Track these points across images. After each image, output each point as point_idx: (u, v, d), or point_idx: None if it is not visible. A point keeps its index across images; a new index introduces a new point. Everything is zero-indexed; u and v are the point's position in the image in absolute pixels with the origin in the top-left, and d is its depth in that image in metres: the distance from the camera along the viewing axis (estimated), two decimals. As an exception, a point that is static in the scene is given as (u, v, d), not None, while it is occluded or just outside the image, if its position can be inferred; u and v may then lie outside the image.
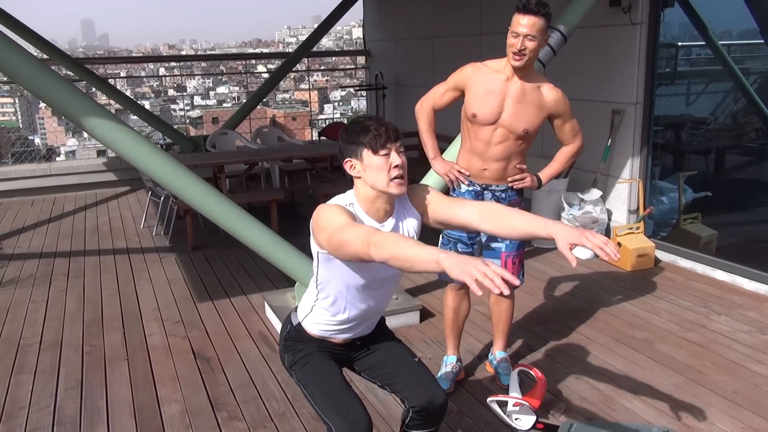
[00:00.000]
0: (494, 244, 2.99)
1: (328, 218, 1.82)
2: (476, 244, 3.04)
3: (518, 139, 2.82)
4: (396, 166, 1.87)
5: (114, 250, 5.57)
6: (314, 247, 1.95)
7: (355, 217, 1.88)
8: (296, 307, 2.19)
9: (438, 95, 2.96)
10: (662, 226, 5.22)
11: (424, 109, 3.00)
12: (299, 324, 2.12)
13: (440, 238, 3.09)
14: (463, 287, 3.11)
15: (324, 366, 2.07)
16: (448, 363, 3.18)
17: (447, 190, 2.97)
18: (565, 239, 1.68)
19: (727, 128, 5.30)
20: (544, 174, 3.00)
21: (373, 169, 1.87)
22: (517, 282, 1.47)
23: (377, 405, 2.99)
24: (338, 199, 1.95)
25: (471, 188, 2.95)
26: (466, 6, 6.90)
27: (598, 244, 1.66)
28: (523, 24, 2.62)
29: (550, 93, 2.80)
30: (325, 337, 2.10)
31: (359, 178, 1.92)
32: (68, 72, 8.38)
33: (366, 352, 2.18)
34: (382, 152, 1.86)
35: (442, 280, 3.22)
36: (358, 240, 1.67)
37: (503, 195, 2.94)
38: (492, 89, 2.78)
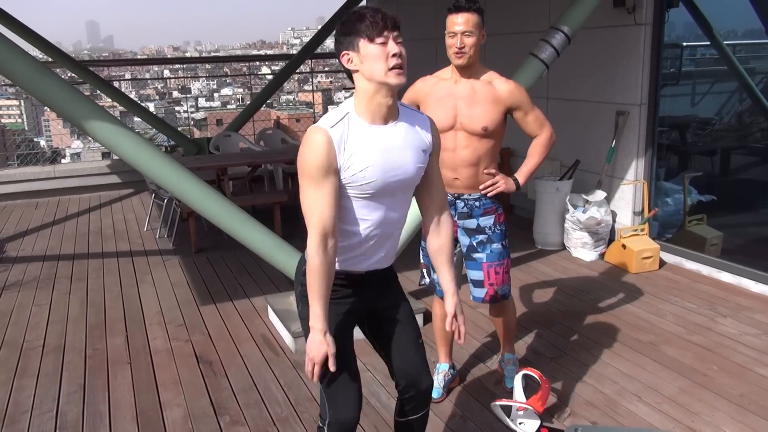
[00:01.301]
0: (475, 255, 2.91)
1: (302, 161, 1.83)
2: (455, 255, 2.98)
3: (482, 139, 2.76)
4: (394, 55, 1.79)
5: (117, 252, 5.57)
6: None
7: (336, 149, 1.79)
8: None
9: None
10: (667, 227, 5.19)
11: None
12: None
13: (421, 251, 3.06)
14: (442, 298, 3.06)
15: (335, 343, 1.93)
16: (440, 371, 3.15)
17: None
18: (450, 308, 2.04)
19: (733, 129, 5.27)
20: (521, 173, 2.92)
21: (370, 59, 1.79)
22: (332, 368, 1.85)
23: (380, 410, 2.97)
24: (330, 115, 1.86)
25: None
26: (469, 7, 6.88)
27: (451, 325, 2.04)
28: (458, 22, 2.69)
29: (503, 86, 2.77)
30: (344, 269, 1.98)
31: (357, 71, 1.84)
32: (72, 74, 8.40)
33: (384, 312, 2.09)
34: (379, 40, 1.78)
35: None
36: (307, 218, 1.86)
37: (477, 203, 2.86)
38: (442, 95, 2.79)
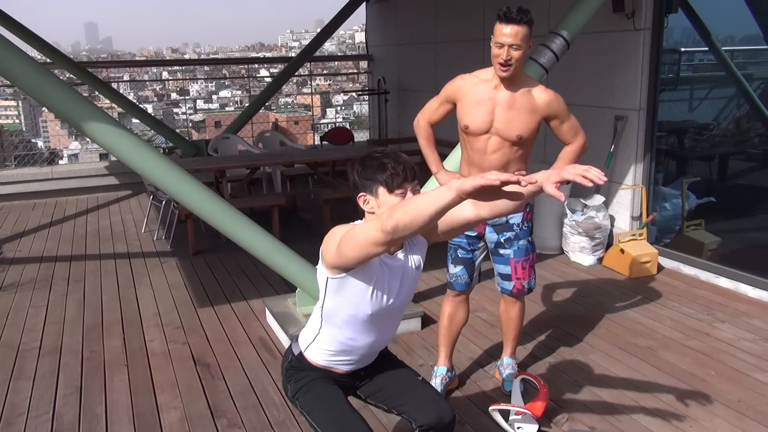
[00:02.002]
0: (503, 251, 2.97)
1: (340, 230, 1.81)
2: (478, 250, 3.02)
3: (514, 146, 2.80)
4: None
5: (115, 254, 5.56)
6: (322, 275, 1.91)
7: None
8: (297, 336, 2.16)
9: (432, 110, 2.99)
10: (665, 232, 5.20)
11: (420, 125, 3.04)
12: (300, 353, 2.09)
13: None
14: (461, 294, 3.08)
15: (327, 391, 2.05)
16: (438, 374, 3.14)
17: None
18: (549, 180, 1.66)
19: (731, 134, 5.28)
20: None
21: None
22: (514, 178, 1.47)
23: (386, 423, 2.95)
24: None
25: None
26: (468, 11, 6.90)
27: (579, 173, 1.64)
28: (507, 33, 2.59)
29: (541, 95, 2.77)
30: (328, 367, 2.07)
31: (372, 213, 1.89)
32: (71, 76, 8.39)
33: (369, 380, 2.16)
34: (398, 191, 1.84)
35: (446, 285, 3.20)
36: (370, 226, 1.67)
37: None
38: (481, 99, 2.78)
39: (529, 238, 2.99)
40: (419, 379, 2.15)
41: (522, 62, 2.70)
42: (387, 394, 2.13)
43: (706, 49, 5.21)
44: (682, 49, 5.26)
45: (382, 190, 1.85)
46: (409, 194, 1.85)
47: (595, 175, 1.62)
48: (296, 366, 2.10)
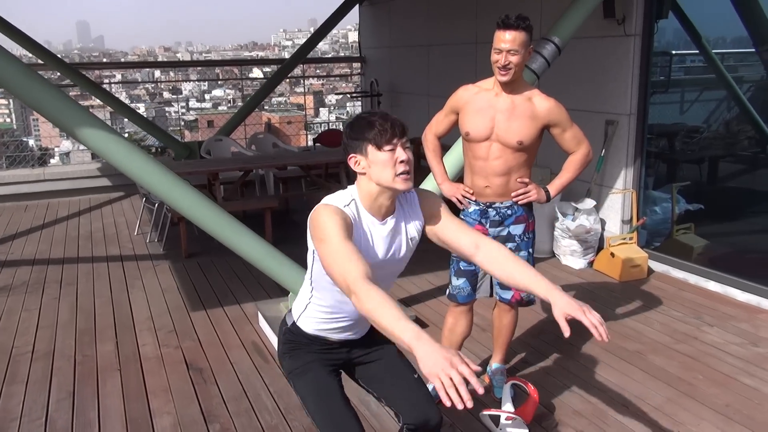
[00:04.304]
0: None
1: (323, 228, 1.79)
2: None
3: (515, 152, 2.83)
4: (402, 162, 1.84)
5: (107, 257, 5.56)
6: (310, 244, 1.92)
7: (352, 223, 1.85)
8: (291, 308, 2.17)
9: (438, 122, 3.05)
10: (655, 236, 5.24)
11: (428, 138, 3.10)
12: (294, 323, 2.09)
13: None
14: (461, 305, 3.08)
15: (323, 380, 2.05)
16: None
17: (457, 211, 2.98)
18: (563, 309, 1.75)
19: (721, 137, 5.33)
20: (553, 185, 2.99)
21: (378, 165, 1.84)
22: (480, 391, 1.39)
23: (370, 418, 2.99)
24: (338, 197, 1.92)
25: (477, 207, 2.96)
26: (461, 15, 6.93)
27: (594, 323, 1.72)
28: (506, 39, 2.65)
29: (542, 103, 2.81)
30: (322, 336, 2.07)
31: (364, 174, 1.89)
32: (61, 74, 8.36)
33: (367, 357, 2.15)
34: (387, 148, 1.83)
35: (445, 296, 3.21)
36: (341, 278, 1.68)
37: (509, 212, 2.93)
38: (482, 106, 2.83)
39: (530, 250, 3.00)
40: (415, 377, 2.16)
41: (522, 68, 2.74)
42: (380, 384, 2.14)
43: (697, 51, 5.26)
44: (673, 52, 5.31)
45: (371, 148, 1.84)
46: (399, 150, 1.84)
47: (603, 331, 1.72)
48: (291, 339, 2.10)
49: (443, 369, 1.37)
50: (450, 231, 2.00)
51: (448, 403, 1.34)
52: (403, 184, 1.86)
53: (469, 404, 1.34)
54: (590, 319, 1.73)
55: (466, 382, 1.37)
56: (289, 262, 3.73)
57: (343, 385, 2.12)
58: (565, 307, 1.74)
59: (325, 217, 1.82)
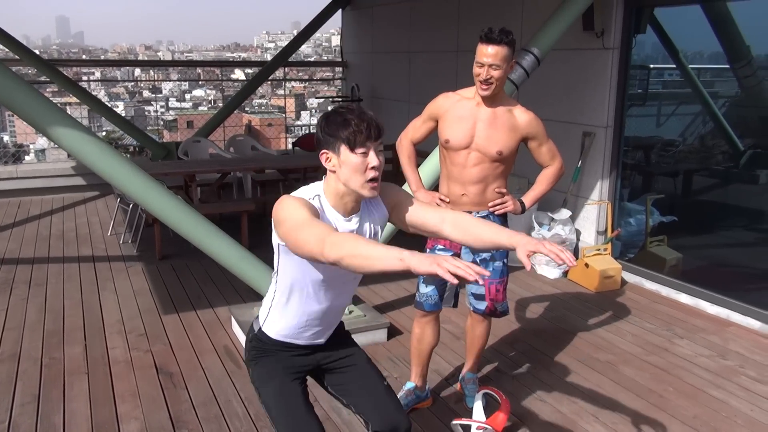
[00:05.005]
0: None
1: (288, 212, 1.77)
2: None
3: (493, 162, 2.84)
4: (373, 168, 1.81)
5: (79, 257, 5.47)
6: (275, 239, 1.89)
7: (318, 212, 1.83)
8: (257, 314, 2.15)
9: (415, 128, 3.05)
10: (629, 247, 5.30)
11: (403, 144, 3.09)
12: (260, 329, 2.08)
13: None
14: (427, 315, 3.08)
15: (287, 388, 2.03)
16: (405, 388, 3.15)
17: None
18: (525, 247, 1.78)
19: (695, 150, 5.40)
20: (528, 197, 3.02)
21: (349, 167, 1.81)
22: (487, 273, 1.50)
23: (341, 425, 2.97)
24: (303, 191, 1.89)
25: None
26: (443, 23, 6.95)
27: (554, 251, 1.77)
28: (488, 53, 2.66)
29: (522, 115, 2.84)
30: (287, 342, 2.04)
31: (333, 172, 1.86)
32: (37, 71, 8.23)
33: (336, 364, 2.14)
34: (360, 150, 1.80)
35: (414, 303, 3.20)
36: (313, 239, 1.64)
37: None
38: (463, 115, 2.84)
39: (505, 260, 3.02)
40: (384, 384, 2.15)
41: (503, 81, 2.76)
42: (349, 390, 2.13)
43: (674, 66, 5.34)
44: (651, 66, 5.38)
45: (344, 148, 1.80)
46: (371, 154, 1.81)
47: (567, 257, 1.76)
48: (257, 346, 2.08)
49: (446, 259, 1.46)
50: (415, 212, 1.99)
51: (455, 281, 1.44)
52: (369, 192, 1.85)
53: (480, 280, 1.47)
54: (550, 249, 1.77)
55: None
56: (264, 266, 3.70)
57: (314, 392, 2.09)
58: (526, 245, 1.78)
59: (291, 204, 1.79)
